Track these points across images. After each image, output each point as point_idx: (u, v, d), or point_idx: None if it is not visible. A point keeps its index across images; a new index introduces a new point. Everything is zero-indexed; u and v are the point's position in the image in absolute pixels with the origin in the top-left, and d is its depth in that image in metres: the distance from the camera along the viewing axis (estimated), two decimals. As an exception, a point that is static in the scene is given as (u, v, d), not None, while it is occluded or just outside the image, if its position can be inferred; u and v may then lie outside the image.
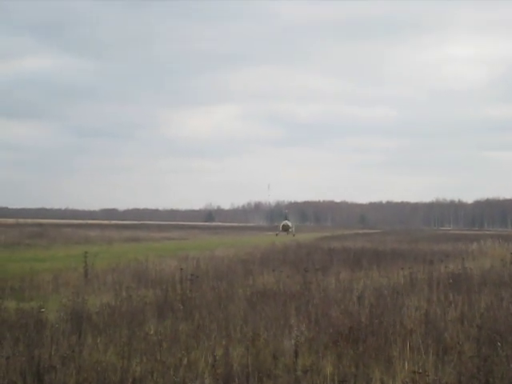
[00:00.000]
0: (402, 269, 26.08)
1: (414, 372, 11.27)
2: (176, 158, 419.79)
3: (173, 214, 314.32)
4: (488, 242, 53.28)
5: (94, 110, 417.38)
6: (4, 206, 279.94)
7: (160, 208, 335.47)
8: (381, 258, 36.66)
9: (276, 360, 12.22)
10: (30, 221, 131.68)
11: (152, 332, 14.76)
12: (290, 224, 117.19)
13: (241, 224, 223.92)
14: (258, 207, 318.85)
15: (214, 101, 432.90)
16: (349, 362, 12.56)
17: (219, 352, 12.64)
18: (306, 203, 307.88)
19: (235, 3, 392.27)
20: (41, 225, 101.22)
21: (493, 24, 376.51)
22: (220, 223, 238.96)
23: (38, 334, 14.28)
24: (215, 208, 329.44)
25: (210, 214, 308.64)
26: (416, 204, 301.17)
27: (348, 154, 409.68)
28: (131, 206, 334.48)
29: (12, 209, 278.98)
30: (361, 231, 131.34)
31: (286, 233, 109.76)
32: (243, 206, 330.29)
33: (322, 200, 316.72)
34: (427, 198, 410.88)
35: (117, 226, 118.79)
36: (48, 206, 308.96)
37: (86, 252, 27.57)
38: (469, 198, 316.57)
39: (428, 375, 11.30)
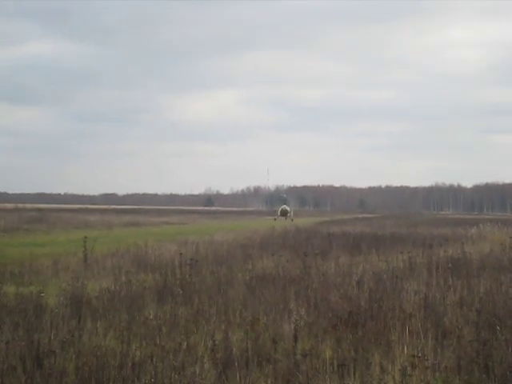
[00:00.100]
0: (402, 253, 26.10)
1: (414, 356, 11.28)
2: (179, 141, 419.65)
3: (172, 198, 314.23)
4: (487, 227, 53.21)
5: (95, 95, 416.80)
6: (3, 191, 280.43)
7: (159, 193, 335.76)
8: (380, 243, 36.72)
9: (275, 344, 12.23)
10: (29, 206, 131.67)
11: (151, 316, 14.77)
12: (288, 209, 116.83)
13: (240, 208, 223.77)
14: (257, 192, 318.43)
15: (218, 85, 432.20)
16: (348, 346, 12.58)
17: (219, 336, 12.67)
18: (306, 188, 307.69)
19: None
20: (40, 210, 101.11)
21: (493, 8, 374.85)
22: (219, 208, 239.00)
23: (37, 318, 14.30)
24: (214, 193, 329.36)
25: (209, 199, 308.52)
26: (415, 188, 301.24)
27: (350, 138, 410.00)
28: (131, 191, 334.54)
29: (11, 194, 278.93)
30: (360, 216, 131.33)
31: (284, 218, 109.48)
32: (242, 191, 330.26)
33: (321, 184, 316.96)
34: (426, 182, 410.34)
35: (116, 211, 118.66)
36: (48, 191, 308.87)
37: (85, 237, 27.54)
38: (468, 183, 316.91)
39: (427, 359, 11.32)
